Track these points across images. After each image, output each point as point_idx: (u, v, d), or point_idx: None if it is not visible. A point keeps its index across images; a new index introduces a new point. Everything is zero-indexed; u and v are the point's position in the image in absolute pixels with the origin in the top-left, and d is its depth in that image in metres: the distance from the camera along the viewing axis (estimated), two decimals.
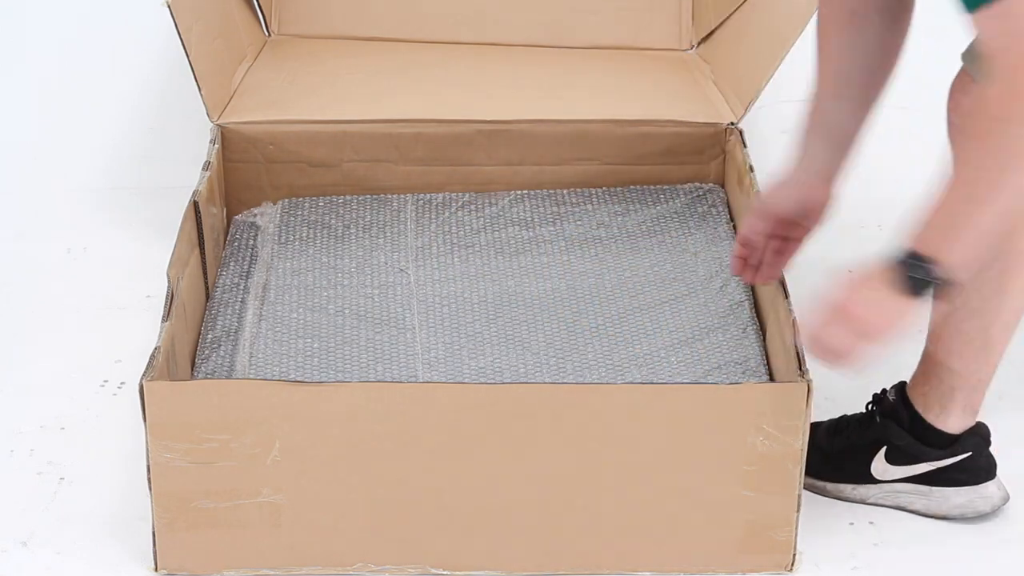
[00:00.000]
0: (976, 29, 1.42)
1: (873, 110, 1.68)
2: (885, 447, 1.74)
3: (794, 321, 1.65)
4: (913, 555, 1.71)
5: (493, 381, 1.75)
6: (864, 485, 1.76)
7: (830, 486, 1.78)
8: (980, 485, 1.74)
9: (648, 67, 2.37)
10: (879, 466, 1.75)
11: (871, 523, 1.75)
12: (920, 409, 1.73)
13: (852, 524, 1.75)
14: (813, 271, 2.20)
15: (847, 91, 1.66)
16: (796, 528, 1.64)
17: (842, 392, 1.93)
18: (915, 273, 1.46)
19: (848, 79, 1.65)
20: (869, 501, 1.77)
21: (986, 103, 1.40)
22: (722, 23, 2.36)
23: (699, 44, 2.42)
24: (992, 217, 1.43)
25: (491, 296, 1.92)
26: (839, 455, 1.77)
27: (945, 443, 1.72)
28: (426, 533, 1.63)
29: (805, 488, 1.68)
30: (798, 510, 1.63)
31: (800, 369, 1.59)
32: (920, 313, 1.50)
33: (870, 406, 1.78)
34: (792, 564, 1.66)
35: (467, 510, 1.62)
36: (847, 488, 1.77)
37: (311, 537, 1.63)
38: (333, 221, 2.08)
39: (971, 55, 1.62)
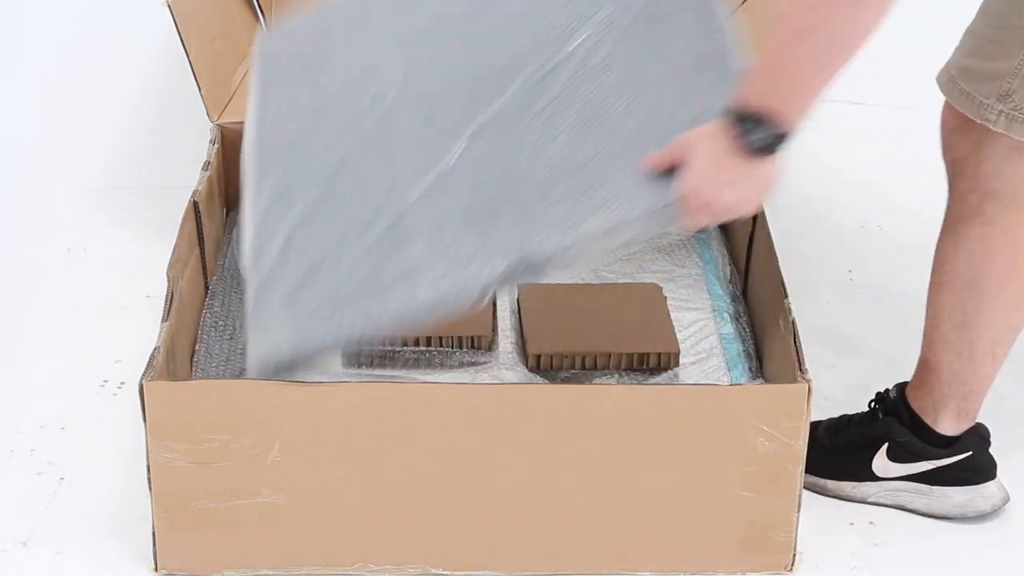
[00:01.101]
0: None
1: None
2: (887, 444, 1.75)
3: (793, 321, 1.65)
4: (913, 555, 1.71)
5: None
6: (865, 483, 1.76)
7: (831, 484, 1.78)
8: (981, 485, 1.74)
9: None
10: (880, 463, 1.75)
11: (871, 523, 1.76)
12: (917, 411, 1.73)
13: (852, 524, 1.75)
14: (813, 271, 2.21)
15: None
16: (796, 528, 1.64)
17: (842, 392, 1.94)
18: (755, 134, 1.42)
19: None
20: (870, 500, 1.77)
21: None
22: None
23: None
24: (821, 68, 1.40)
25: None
26: (840, 452, 1.77)
27: (946, 442, 1.73)
28: (426, 533, 1.63)
29: (806, 487, 1.68)
30: (798, 510, 1.63)
31: (800, 369, 1.59)
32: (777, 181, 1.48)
33: (872, 404, 1.78)
34: (792, 564, 1.66)
35: (467, 510, 1.62)
36: (847, 486, 1.77)
37: (311, 537, 1.63)
38: None
39: (948, 81, 1.62)
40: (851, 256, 2.28)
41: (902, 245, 2.31)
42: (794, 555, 1.66)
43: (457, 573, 1.65)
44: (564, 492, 1.61)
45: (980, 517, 1.76)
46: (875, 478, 1.76)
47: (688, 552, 1.64)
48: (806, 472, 1.63)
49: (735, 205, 1.47)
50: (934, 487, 1.74)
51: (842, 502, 1.78)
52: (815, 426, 1.76)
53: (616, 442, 1.58)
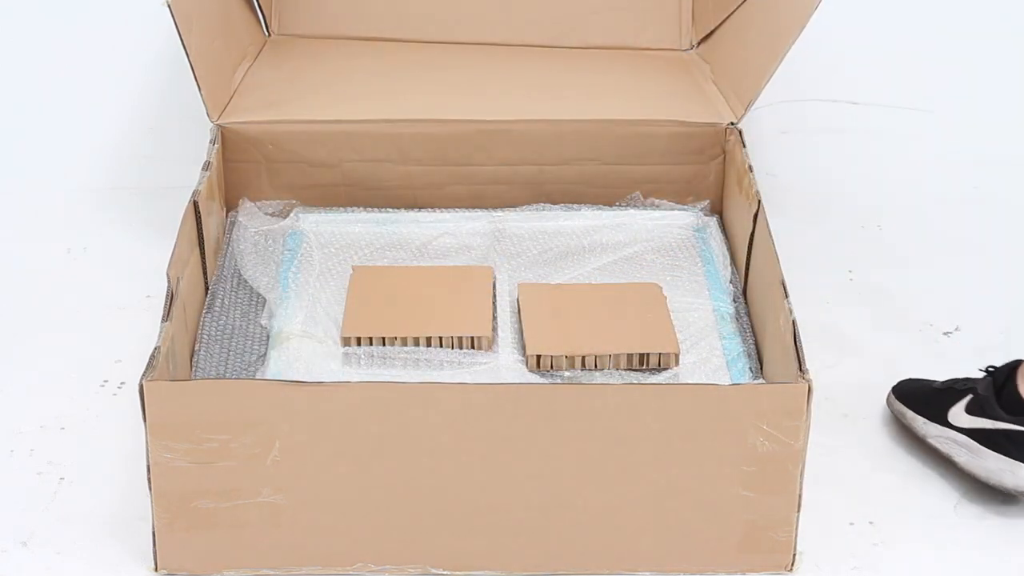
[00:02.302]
0: None
1: None
2: (971, 396, 1.78)
3: (793, 321, 1.65)
4: (913, 555, 1.71)
5: None
6: (934, 424, 1.80)
7: (910, 413, 1.83)
8: (1018, 461, 1.74)
9: (648, 67, 2.37)
10: (956, 411, 1.78)
11: (871, 523, 1.76)
12: (1021, 375, 1.76)
13: (852, 524, 1.75)
14: (813, 271, 2.21)
15: None
16: (796, 528, 1.64)
17: (842, 392, 1.94)
18: None
19: None
20: (928, 440, 1.81)
21: None
22: (722, 23, 2.36)
23: (699, 44, 2.42)
24: None
25: None
26: (937, 392, 1.82)
27: (1015, 411, 1.74)
28: (426, 533, 1.63)
29: (893, 411, 1.80)
30: (798, 510, 1.63)
31: (800, 369, 1.59)
32: None
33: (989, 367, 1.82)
34: (792, 564, 1.66)
35: (467, 510, 1.62)
36: (920, 420, 1.82)
37: (311, 537, 1.63)
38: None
39: None
40: (851, 256, 2.28)
41: (902, 245, 2.31)
42: (794, 555, 1.66)
43: (457, 573, 1.65)
44: (564, 492, 1.61)
45: (982, 517, 1.76)
46: (945, 423, 1.79)
47: (688, 552, 1.64)
48: (903, 402, 1.80)
49: None
50: (981, 446, 1.76)
51: (842, 502, 1.77)
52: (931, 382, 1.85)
53: (616, 442, 1.58)
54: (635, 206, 2.17)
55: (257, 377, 1.80)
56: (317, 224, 2.10)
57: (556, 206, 2.15)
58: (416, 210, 2.14)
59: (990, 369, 1.81)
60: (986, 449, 1.76)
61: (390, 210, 2.15)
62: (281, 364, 1.81)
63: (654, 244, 2.08)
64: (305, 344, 1.85)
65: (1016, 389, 1.75)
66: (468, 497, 1.61)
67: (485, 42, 2.43)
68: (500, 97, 2.24)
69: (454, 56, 2.39)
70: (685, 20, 2.44)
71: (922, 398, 1.84)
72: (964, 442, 1.77)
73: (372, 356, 1.84)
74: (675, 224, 2.12)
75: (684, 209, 2.15)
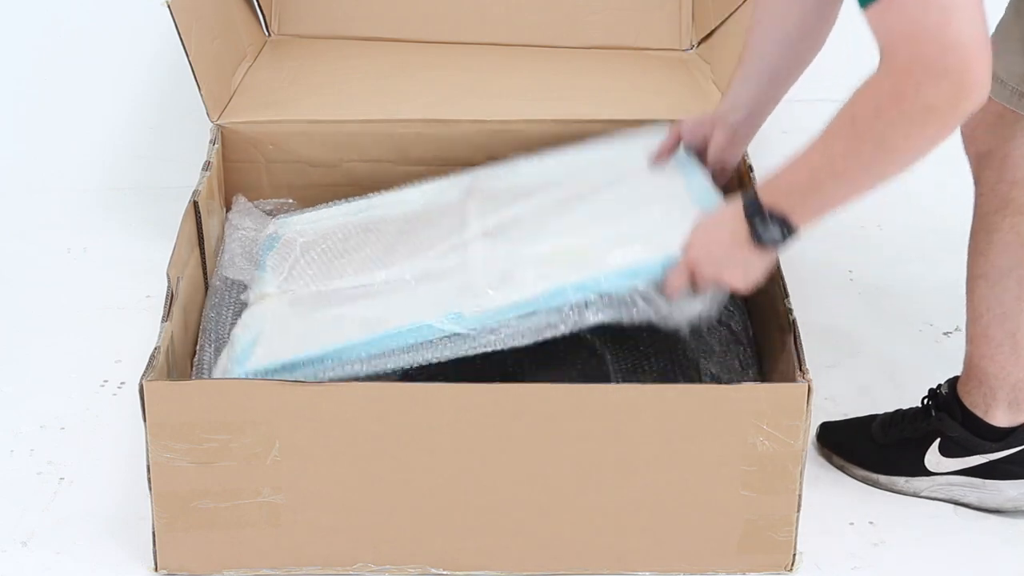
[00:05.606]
0: (870, 25, 1.43)
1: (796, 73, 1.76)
2: (939, 439, 1.75)
3: (793, 321, 1.65)
4: (913, 555, 1.71)
5: None
6: (917, 478, 1.77)
7: (883, 479, 1.79)
8: None
9: (648, 67, 2.37)
10: (932, 458, 1.76)
11: (871, 523, 1.76)
12: (968, 406, 1.74)
13: (852, 524, 1.75)
14: (813, 271, 2.21)
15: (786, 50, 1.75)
16: (796, 528, 1.64)
17: (842, 392, 1.94)
18: (765, 231, 1.50)
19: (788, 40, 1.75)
20: (922, 494, 1.78)
21: (875, 92, 1.41)
22: (722, 23, 2.36)
23: (699, 44, 2.42)
24: (848, 193, 1.47)
25: None
26: (893, 448, 1.78)
27: (998, 436, 1.73)
28: (426, 533, 1.63)
29: (859, 480, 1.75)
30: (798, 510, 1.63)
31: (800, 369, 1.59)
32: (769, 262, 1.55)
33: (925, 400, 1.79)
34: (792, 564, 1.66)
35: (467, 510, 1.62)
36: (900, 481, 1.78)
37: (311, 537, 1.63)
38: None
39: (999, 84, 1.61)
40: (851, 256, 2.28)
41: (902, 245, 2.31)
42: (794, 555, 1.66)
43: (457, 573, 1.65)
44: (564, 492, 1.61)
45: (980, 516, 1.76)
46: (928, 473, 1.77)
47: (687, 552, 1.64)
48: (860, 466, 1.73)
49: (735, 285, 1.56)
50: (987, 480, 1.75)
51: (842, 502, 1.78)
52: (869, 422, 1.80)
53: (616, 442, 1.58)
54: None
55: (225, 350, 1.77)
56: (298, 224, 2.07)
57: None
58: (386, 192, 2.08)
59: (927, 402, 1.78)
60: (996, 481, 1.74)
61: (359, 198, 2.08)
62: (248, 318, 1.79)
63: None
64: (276, 301, 1.81)
65: (981, 420, 1.73)
66: (468, 497, 1.61)
67: (485, 42, 2.43)
68: (500, 97, 2.24)
69: (454, 56, 2.39)
70: (685, 20, 2.44)
71: (881, 458, 1.80)
72: (966, 482, 1.76)
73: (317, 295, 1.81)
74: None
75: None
